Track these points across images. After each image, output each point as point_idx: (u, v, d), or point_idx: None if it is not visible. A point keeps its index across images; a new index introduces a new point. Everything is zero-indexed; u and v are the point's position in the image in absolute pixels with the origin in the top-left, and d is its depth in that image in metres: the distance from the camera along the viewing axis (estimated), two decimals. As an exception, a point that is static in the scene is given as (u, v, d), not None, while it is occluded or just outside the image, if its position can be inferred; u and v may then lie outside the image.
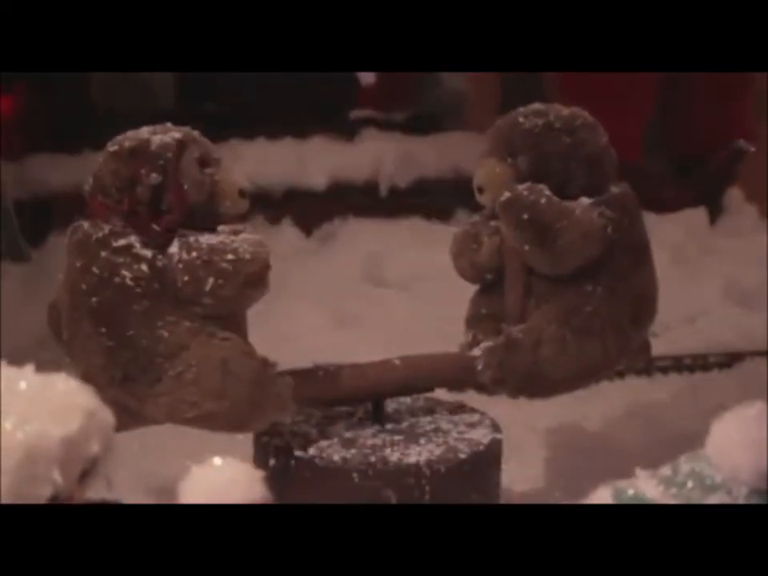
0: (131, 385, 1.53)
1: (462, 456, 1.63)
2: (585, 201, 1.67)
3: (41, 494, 1.02)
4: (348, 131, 3.91)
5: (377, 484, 1.58)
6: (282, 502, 1.12)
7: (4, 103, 3.55)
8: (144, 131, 1.60)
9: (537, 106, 1.75)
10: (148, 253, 1.55)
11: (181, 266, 1.53)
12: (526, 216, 1.62)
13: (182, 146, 1.59)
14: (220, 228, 1.60)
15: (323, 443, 1.65)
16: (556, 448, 2.09)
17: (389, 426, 1.71)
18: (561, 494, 1.93)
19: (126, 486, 1.31)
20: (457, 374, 1.74)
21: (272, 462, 1.63)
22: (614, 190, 1.70)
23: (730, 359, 2.65)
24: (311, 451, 1.62)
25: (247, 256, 1.55)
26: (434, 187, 3.72)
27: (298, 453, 1.62)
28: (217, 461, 1.08)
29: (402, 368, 1.70)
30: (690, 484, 1.10)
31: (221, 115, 3.87)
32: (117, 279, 1.53)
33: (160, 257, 1.55)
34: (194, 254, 1.54)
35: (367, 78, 4.29)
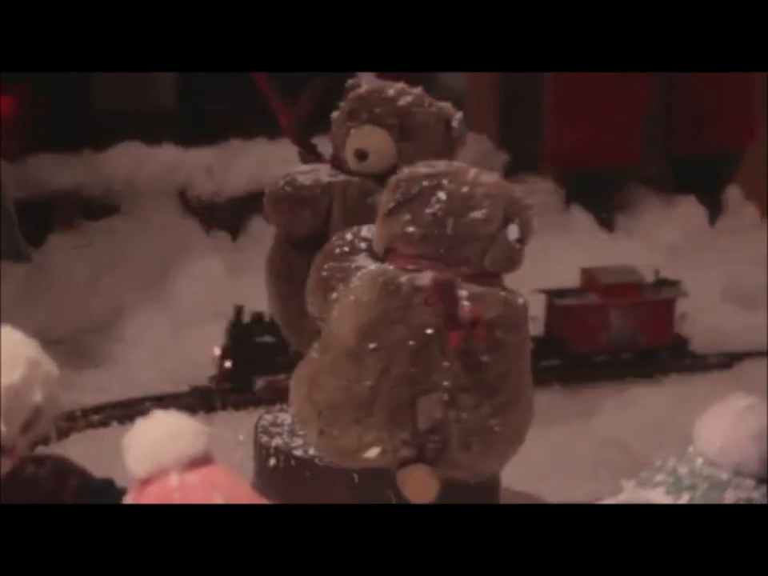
0: None
1: (462, 456, 1.62)
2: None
3: None
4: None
5: (377, 484, 1.57)
6: (282, 502, 1.12)
7: (4, 103, 3.55)
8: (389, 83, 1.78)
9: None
10: None
11: None
12: None
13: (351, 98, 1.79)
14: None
15: (323, 443, 1.65)
16: (556, 448, 2.09)
17: (389, 426, 1.71)
18: (560, 494, 1.93)
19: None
20: None
21: (272, 461, 1.63)
22: None
23: (730, 359, 2.65)
24: (311, 451, 1.62)
25: (271, 188, 1.79)
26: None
27: (297, 453, 1.62)
28: (161, 414, 1.08)
29: None
30: (701, 486, 1.10)
31: (221, 115, 3.87)
32: None
33: None
34: None
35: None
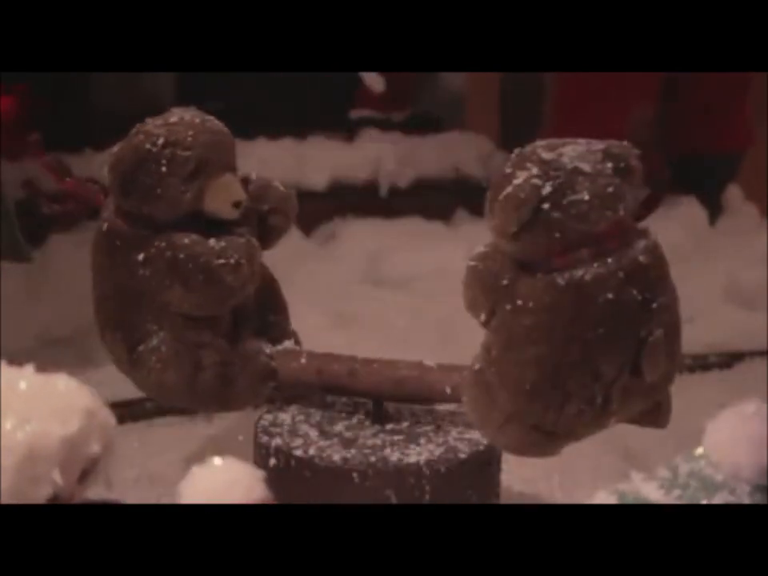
0: None
1: (462, 456, 1.62)
2: None
3: (41, 495, 1.02)
4: (348, 131, 3.91)
5: (377, 484, 1.58)
6: (281, 502, 1.12)
7: (4, 103, 3.55)
8: None
9: None
10: None
11: None
12: None
13: None
14: None
15: (323, 443, 1.65)
16: (556, 448, 2.09)
17: (389, 426, 1.71)
18: (561, 495, 1.92)
19: (126, 485, 1.31)
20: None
21: (272, 461, 1.63)
22: None
23: (730, 359, 2.65)
24: (311, 451, 1.62)
25: None
26: (434, 187, 3.72)
27: (297, 453, 1.62)
28: (217, 461, 1.08)
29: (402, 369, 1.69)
30: (693, 485, 1.10)
31: (221, 115, 3.87)
32: None
33: None
34: None
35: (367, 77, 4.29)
